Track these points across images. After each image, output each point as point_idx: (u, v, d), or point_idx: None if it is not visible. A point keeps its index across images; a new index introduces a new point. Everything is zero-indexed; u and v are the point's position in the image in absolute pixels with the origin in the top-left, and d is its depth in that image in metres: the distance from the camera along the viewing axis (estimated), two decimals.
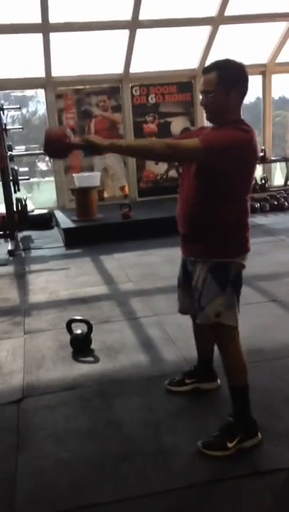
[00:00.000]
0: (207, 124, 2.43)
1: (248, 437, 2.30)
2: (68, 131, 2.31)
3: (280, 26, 8.43)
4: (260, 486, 2.07)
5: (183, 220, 2.35)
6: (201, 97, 2.24)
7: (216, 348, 2.48)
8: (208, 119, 2.29)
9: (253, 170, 2.26)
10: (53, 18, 7.33)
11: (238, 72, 2.19)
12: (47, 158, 9.14)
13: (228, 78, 2.15)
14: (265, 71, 9.10)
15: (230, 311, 2.30)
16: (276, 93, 9.95)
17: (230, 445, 2.25)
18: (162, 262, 5.55)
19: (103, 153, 2.65)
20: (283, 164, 9.56)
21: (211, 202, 2.20)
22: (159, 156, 2.38)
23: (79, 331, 3.48)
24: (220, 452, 2.24)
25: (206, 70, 2.20)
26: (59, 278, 5.30)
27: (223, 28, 8.04)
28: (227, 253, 2.26)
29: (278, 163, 9.65)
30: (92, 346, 3.45)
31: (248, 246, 2.33)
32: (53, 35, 7.60)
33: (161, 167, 9.01)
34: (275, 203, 8.38)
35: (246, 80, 2.21)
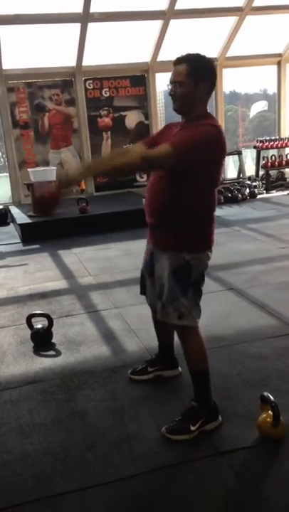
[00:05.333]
0: (175, 118, 2.42)
1: (210, 420, 2.37)
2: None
3: (229, 21, 8.57)
4: (222, 466, 2.15)
5: (152, 210, 2.36)
6: (169, 87, 2.26)
7: (176, 335, 2.53)
8: (174, 109, 2.30)
9: (222, 162, 2.30)
10: (2, 10, 7.19)
11: (207, 66, 2.24)
12: None
13: (197, 71, 2.19)
14: (216, 65, 9.24)
15: (192, 314, 2.33)
16: (227, 87, 10.12)
17: (193, 428, 2.32)
18: (121, 255, 5.59)
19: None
20: (236, 157, 9.77)
21: (180, 193, 2.22)
22: (136, 170, 2.41)
23: (39, 326, 3.47)
24: (184, 436, 2.31)
25: (177, 62, 2.22)
26: (17, 274, 5.24)
27: (174, 22, 8.11)
28: (194, 246, 2.28)
29: (231, 157, 9.84)
30: (54, 340, 3.45)
31: (213, 238, 2.36)
32: (2, 28, 7.46)
33: None
34: (230, 195, 8.57)
35: (215, 75, 2.26)
